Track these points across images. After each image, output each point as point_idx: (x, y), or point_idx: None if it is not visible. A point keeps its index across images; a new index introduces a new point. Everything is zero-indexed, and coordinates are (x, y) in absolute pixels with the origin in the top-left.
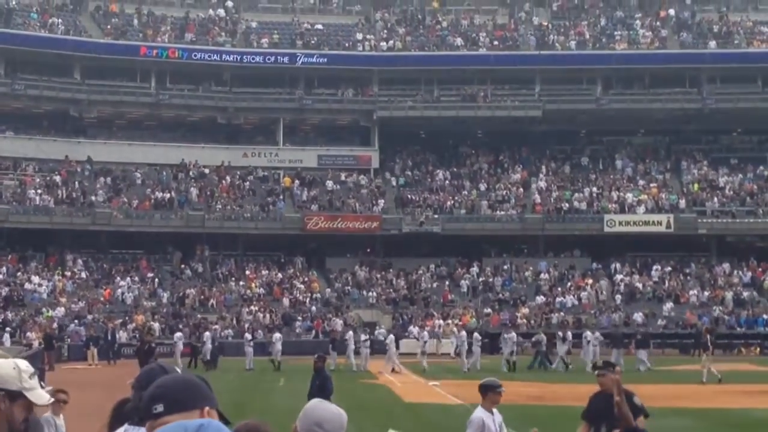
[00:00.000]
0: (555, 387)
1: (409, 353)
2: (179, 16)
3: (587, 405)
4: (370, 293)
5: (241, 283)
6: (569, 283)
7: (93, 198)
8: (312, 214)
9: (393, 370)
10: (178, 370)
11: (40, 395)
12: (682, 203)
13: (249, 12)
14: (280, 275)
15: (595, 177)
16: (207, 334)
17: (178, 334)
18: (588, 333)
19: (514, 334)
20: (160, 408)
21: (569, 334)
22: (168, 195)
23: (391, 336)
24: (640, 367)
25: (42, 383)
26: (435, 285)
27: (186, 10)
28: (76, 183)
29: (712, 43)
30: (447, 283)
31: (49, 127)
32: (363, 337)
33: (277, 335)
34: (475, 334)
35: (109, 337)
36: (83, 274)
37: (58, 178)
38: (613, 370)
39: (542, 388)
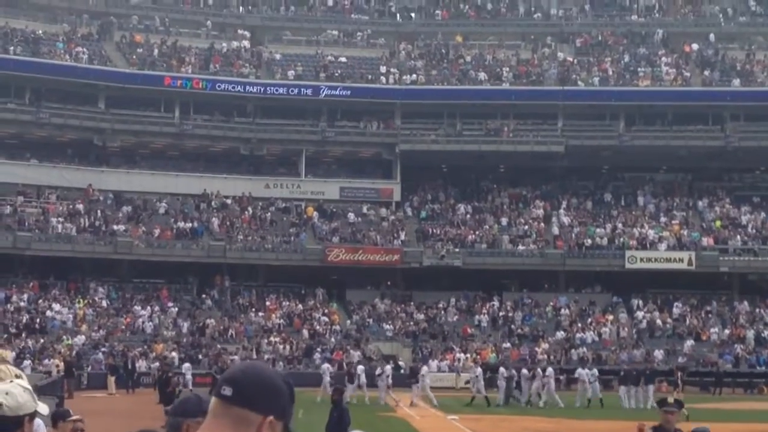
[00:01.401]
0: (570, 423)
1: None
2: (204, 47)
3: None
4: (390, 326)
5: (261, 313)
6: (589, 319)
7: (115, 227)
8: (333, 246)
9: (411, 403)
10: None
11: (44, 407)
12: (704, 241)
13: (273, 44)
14: (300, 306)
15: (617, 213)
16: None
17: (187, 365)
18: (581, 370)
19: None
20: (228, 392)
21: (541, 371)
22: (190, 225)
23: (425, 368)
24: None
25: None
26: (455, 319)
27: (211, 41)
28: (99, 212)
29: (736, 81)
30: (467, 317)
31: (72, 156)
32: (379, 370)
33: (325, 366)
34: (501, 369)
35: (129, 366)
36: (104, 303)
37: (80, 207)
38: (680, 409)
39: (558, 424)
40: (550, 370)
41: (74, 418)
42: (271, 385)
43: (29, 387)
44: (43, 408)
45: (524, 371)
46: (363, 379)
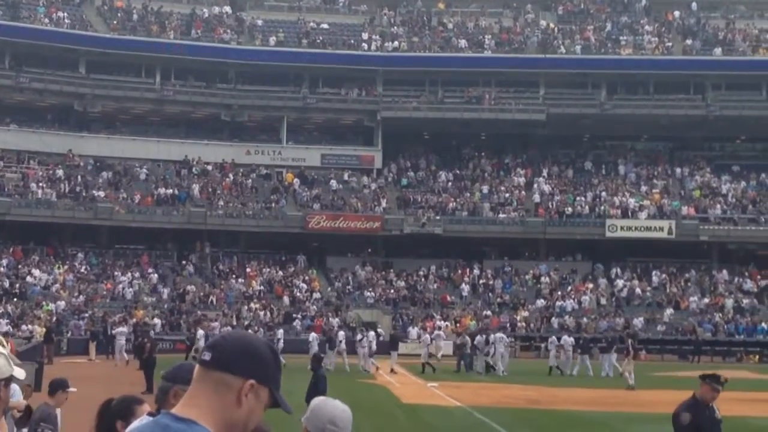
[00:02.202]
0: (553, 390)
1: (409, 354)
2: (185, 12)
3: (691, 416)
4: (371, 293)
5: (242, 280)
6: (570, 287)
7: (95, 193)
8: (314, 213)
9: (391, 370)
10: None
11: (21, 372)
12: (684, 210)
13: (255, 10)
14: (281, 273)
15: (597, 181)
16: (201, 331)
17: (121, 329)
18: (554, 338)
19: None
20: (207, 356)
21: (493, 336)
22: (170, 191)
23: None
24: (610, 373)
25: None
26: (435, 286)
27: (192, 7)
28: (79, 177)
29: (718, 50)
30: (447, 284)
31: (52, 121)
32: (359, 336)
33: (313, 335)
34: (478, 337)
35: (109, 333)
36: (84, 269)
37: (60, 172)
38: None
39: (540, 391)
40: (500, 335)
41: (72, 390)
42: (250, 350)
43: (5, 352)
44: (19, 372)
45: (478, 338)
46: (343, 345)
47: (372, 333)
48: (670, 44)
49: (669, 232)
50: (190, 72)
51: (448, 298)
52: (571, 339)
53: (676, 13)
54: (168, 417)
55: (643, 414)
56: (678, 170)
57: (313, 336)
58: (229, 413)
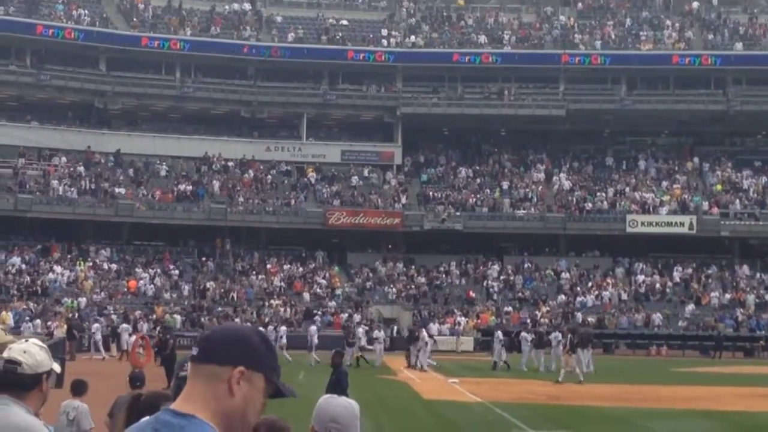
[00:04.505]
0: (573, 387)
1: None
2: (205, 9)
3: None
4: (391, 289)
5: (262, 277)
6: (590, 283)
7: (116, 189)
8: (334, 210)
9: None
10: None
11: (57, 366)
12: (705, 205)
13: (274, 6)
14: (301, 270)
15: (618, 177)
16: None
17: (96, 325)
18: (499, 333)
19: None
20: (195, 351)
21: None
22: (191, 187)
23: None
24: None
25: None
26: (456, 282)
27: (212, 4)
28: (100, 174)
29: (739, 45)
30: (467, 280)
31: (73, 118)
32: (377, 333)
33: (313, 328)
34: (497, 333)
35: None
36: (105, 265)
37: (81, 169)
38: None
39: (560, 388)
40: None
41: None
42: (236, 339)
43: (44, 345)
44: (56, 366)
45: (524, 334)
46: (363, 342)
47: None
48: (691, 39)
49: (690, 228)
50: (210, 69)
51: (472, 294)
52: (530, 335)
53: (696, 6)
54: (168, 413)
55: (664, 409)
56: (699, 165)
57: (312, 329)
58: (224, 404)
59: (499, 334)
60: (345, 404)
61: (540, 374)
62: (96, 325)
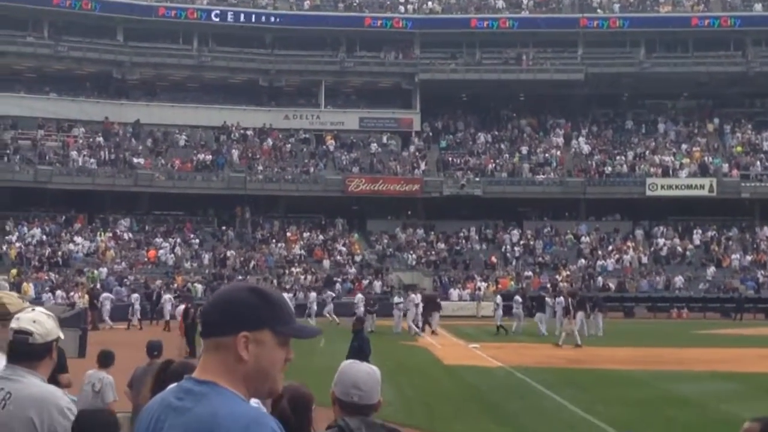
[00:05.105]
0: (594, 350)
1: (451, 315)
2: None
3: None
4: (411, 255)
5: (282, 244)
6: (610, 247)
7: (135, 160)
8: (353, 177)
9: (433, 332)
10: None
11: (61, 333)
12: (725, 167)
13: None
14: (321, 237)
15: (637, 140)
16: None
17: (135, 295)
18: (499, 297)
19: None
20: (200, 328)
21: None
22: (210, 157)
23: (413, 295)
24: (596, 332)
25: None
26: (476, 247)
27: None
28: (119, 144)
29: (758, 6)
30: (487, 245)
31: (92, 89)
32: (396, 299)
33: (359, 296)
34: (516, 297)
35: (153, 298)
36: (125, 235)
37: (101, 140)
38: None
39: (580, 351)
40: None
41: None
42: (230, 306)
43: (51, 313)
44: (64, 333)
45: (548, 299)
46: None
47: (413, 296)
48: (710, 1)
49: (710, 190)
50: (228, 37)
51: (491, 259)
52: (519, 298)
53: None
54: (191, 381)
55: (685, 372)
56: (718, 128)
57: (359, 297)
58: (239, 370)
59: (518, 298)
60: (368, 370)
61: (541, 338)
62: (134, 295)
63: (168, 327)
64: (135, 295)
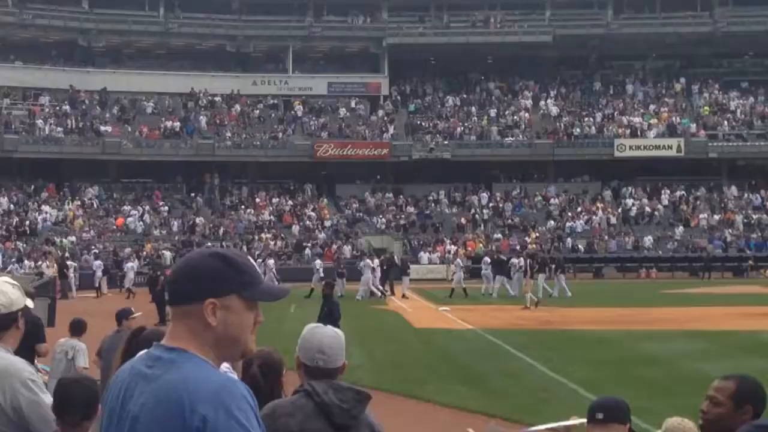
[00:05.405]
0: (563, 311)
1: (420, 279)
2: None
3: None
4: (381, 220)
5: (251, 211)
6: (579, 208)
7: (102, 127)
8: (322, 142)
9: (403, 295)
10: None
11: (30, 301)
12: (693, 127)
13: None
14: (290, 203)
15: (605, 102)
16: None
17: (97, 263)
18: (514, 260)
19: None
20: (167, 295)
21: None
22: (178, 124)
23: (368, 260)
24: (555, 293)
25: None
26: (445, 211)
27: None
28: (85, 113)
29: None
30: (457, 209)
31: (57, 57)
32: (360, 264)
33: (318, 262)
34: (485, 259)
35: (122, 267)
36: (94, 204)
37: (67, 108)
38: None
39: (552, 312)
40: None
41: (135, 315)
42: (195, 273)
43: (16, 283)
44: (30, 302)
45: (513, 260)
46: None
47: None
48: None
49: (678, 151)
50: (194, 3)
51: (460, 222)
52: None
53: None
54: (160, 348)
55: (654, 331)
56: (686, 88)
57: (318, 263)
58: (207, 336)
59: (487, 260)
60: (332, 334)
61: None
62: (97, 262)
63: (130, 295)
64: (97, 263)
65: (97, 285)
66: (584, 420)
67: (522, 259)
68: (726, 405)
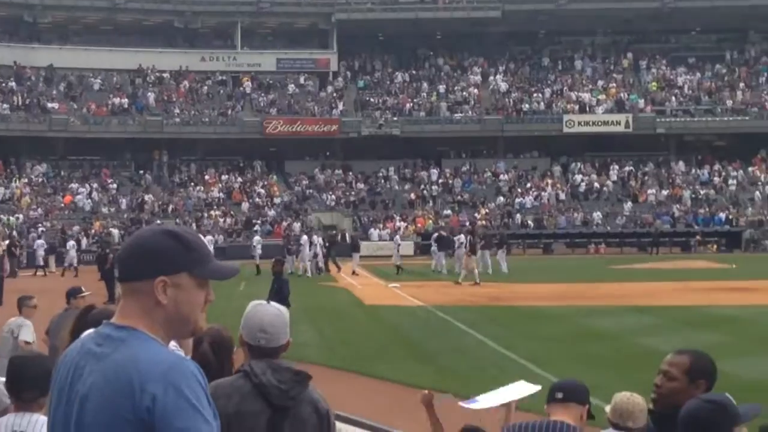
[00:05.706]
0: (513, 287)
1: (370, 256)
2: None
3: None
4: (330, 196)
5: (201, 188)
6: (528, 184)
7: (49, 104)
8: (271, 118)
9: (354, 272)
10: None
11: None
12: (641, 103)
13: None
14: (239, 179)
15: (554, 77)
16: None
17: (39, 241)
18: (462, 236)
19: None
20: (116, 273)
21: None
22: (126, 101)
23: (305, 237)
24: (503, 268)
25: None
26: (395, 187)
27: None
28: (32, 89)
29: None
30: (406, 185)
31: (2, 33)
32: (304, 239)
33: (257, 239)
34: (434, 235)
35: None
36: (41, 181)
37: (13, 85)
38: None
39: (501, 288)
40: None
41: (85, 294)
42: (145, 250)
43: None
44: None
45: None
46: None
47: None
48: None
49: (626, 126)
50: None
51: (409, 198)
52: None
53: None
54: (109, 326)
55: (603, 307)
56: (634, 64)
57: (256, 239)
58: (157, 313)
59: (435, 236)
60: (275, 312)
61: (442, 276)
62: (39, 241)
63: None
64: (39, 242)
65: (41, 263)
66: (534, 388)
67: (463, 235)
68: (680, 379)
